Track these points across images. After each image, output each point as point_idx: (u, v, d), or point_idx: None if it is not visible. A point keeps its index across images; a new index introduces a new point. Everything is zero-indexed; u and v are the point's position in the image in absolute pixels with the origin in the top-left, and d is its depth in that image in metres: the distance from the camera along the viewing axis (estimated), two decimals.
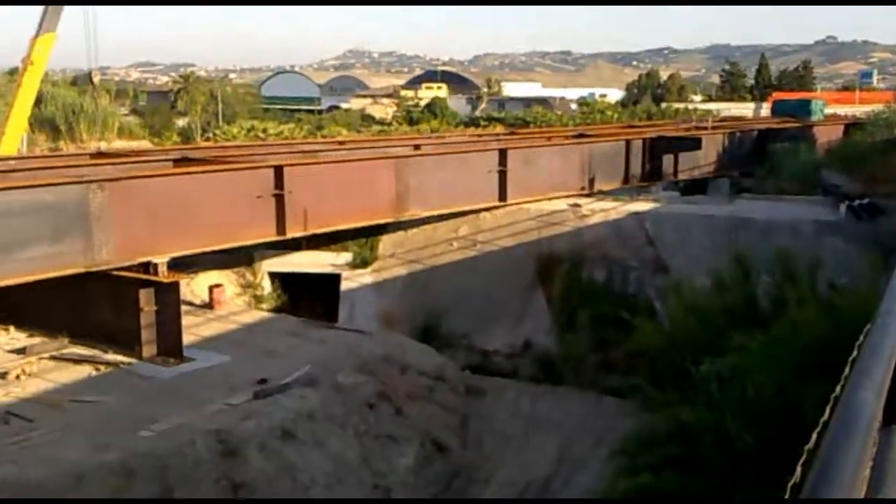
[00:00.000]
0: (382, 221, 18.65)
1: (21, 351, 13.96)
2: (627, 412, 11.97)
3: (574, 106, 73.57)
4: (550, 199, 20.32)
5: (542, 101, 74.70)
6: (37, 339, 14.48)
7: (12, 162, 19.42)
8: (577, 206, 19.73)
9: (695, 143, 23.98)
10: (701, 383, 9.51)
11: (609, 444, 12.18)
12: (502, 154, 19.99)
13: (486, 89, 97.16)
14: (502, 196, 19.83)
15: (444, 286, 18.29)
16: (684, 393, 9.91)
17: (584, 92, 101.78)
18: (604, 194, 21.33)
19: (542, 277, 17.89)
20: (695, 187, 24.17)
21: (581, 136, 24.90)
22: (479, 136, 30.64)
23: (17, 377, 12.78)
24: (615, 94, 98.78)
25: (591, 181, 21.50)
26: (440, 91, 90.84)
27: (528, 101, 76.64)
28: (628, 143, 22.99)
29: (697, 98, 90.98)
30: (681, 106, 61.74)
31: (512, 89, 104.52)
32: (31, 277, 12.86)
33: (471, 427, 14.23)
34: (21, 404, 11.82)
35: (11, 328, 15.08)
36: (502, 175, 19.81)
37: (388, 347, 15.13)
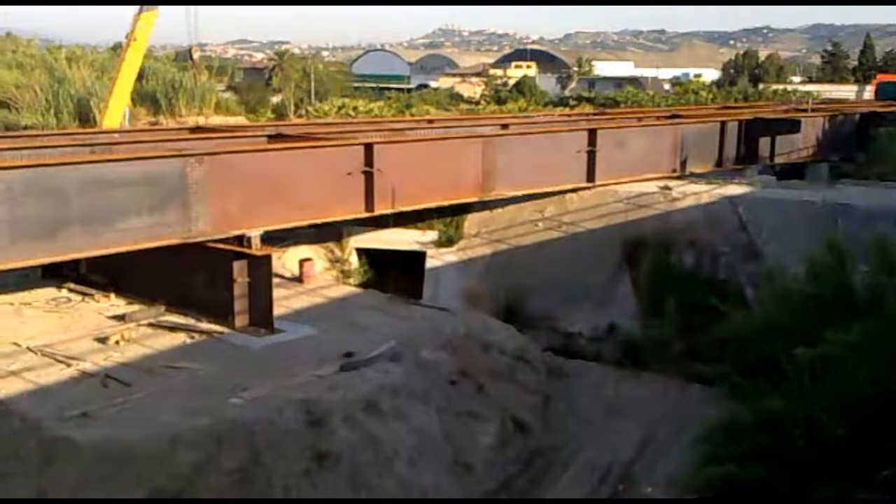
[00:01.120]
0: (468, 200, 18.69)
1: (121, 317, 14.58)
2: (713, 400, 11.75)
3: (667, 86, 72.08)
4: (640, 180, 20.01)
5: (634, 81, 73.47)
6: (136, 307, 15.09)
7: (115, 135, 20.25)
8: (668, 188, 19.35)
9: (793, 126, 23.17)
10: (793, 373, 9.26)
11: (693, 431, 12.00)
12: (591, 134, 19.75)
13: (576, 68, 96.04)
14: (590, 177, 19.61)
15: (528, 267, 18.25)
16: (774, 383, 9.67)
17: (677, 72, 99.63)
18: (696, 177, 20.86)
19: (629, 260, 17.66)
20: (792, 172, 23.38)
21: (674, 116, 24.36)
22: (569, 115, 30.31)
23: (117, 342, 13.35)
24: (710, 75, 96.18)
25: (683, 163, 21.07)
26: (529, 70, 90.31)
27: (619, 81, 75.49)
28: (723, 124, 22.40)
29: (797, 79, 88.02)
30: (779, 87, 59.86)
31: (603, 68, 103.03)
32: (132, 247, 13.39)
33: (552, 408, 14.21)
34: (119, 369, 12.35)
35: (112, 295, 15.77)
36: (591, 155, 19.58)
37: (470, 326, 15.21)
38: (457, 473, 11.75)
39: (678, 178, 20.65)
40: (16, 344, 13.21)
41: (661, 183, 19.82)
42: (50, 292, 16.14)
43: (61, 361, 12.54)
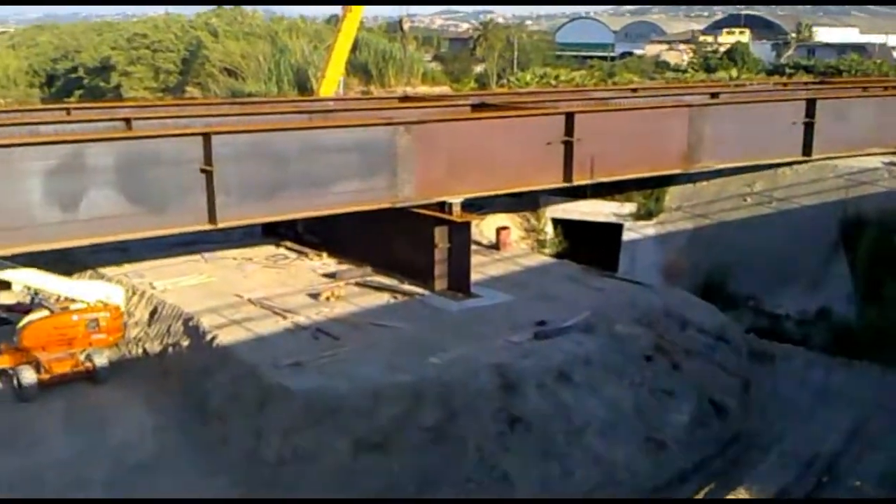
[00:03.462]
0: (671, 172, 18.17)
1: (331, 275, 15.48)
2: None
3: None
4: (862, 155, 18.62)
5: (859, 49, 67.89)
6: (345, 266, 15.94)
7: (331, 103, 21.36)
8: (894, 164, 17.88)
9: None
10: None
11: None
12: (810, 104, 18.57)
13: (794, 34, 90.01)
14: (807, 150, 18.48)
15: (732, 243, 17.52)
16: None
17: None
18: None
19: (846, 241, 16.53)
20: None
21: None
22: (784, 84, 28.57)
23: (327, 299, 14.21)
24: None
25: None
26: (742, 36, 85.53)
27: (841, 48, 70.05)
28: None
29: None
30: None
31: (824, 35, 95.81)
32: (345, 209, 14.19)
33: (753, 392, 13.63)
34: (329, 323, 13.16)
35: (324, 254, 16.75)
36: (808, 127, 18.43)
37: (668, 301, 14.84)
38: (649, 450, 11.58)
39: None
40: (238, 296, 14.39)
41: (887, 158, 18.37)
42: (269, 249, 17.39)
43: (277, 314, 13.54)
